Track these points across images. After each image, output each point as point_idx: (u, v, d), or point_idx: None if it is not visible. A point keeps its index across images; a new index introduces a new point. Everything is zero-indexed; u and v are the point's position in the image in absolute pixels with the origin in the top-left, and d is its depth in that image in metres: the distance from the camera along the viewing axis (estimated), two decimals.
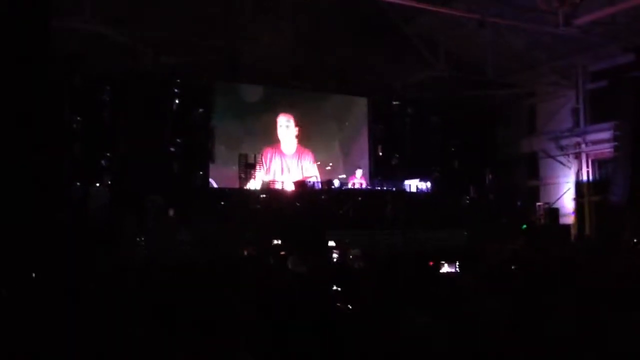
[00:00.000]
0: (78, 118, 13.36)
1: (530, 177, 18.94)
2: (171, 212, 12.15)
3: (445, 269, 6.19)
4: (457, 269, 6.22)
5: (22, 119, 10.32)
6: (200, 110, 14.87)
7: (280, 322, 3.70)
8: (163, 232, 11.35)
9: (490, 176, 17.98)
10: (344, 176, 15.89)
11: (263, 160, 15.37)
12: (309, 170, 16.43)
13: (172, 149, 14.28)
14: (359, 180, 15.68)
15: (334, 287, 4.97)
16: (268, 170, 15.80)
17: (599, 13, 12.38)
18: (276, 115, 16.36)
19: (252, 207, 13.13)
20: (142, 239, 10.87)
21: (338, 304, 4.33)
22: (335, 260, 7.94)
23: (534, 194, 18.47)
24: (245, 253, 9.00)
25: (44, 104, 11.17)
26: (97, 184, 12.94)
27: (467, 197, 16.62)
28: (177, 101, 14.48)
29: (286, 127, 16.44)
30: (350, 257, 7.84)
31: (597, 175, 17.19)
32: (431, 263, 6.36)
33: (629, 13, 12.75)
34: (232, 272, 6.01)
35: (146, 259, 9.36)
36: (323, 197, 14.14)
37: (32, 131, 10.34)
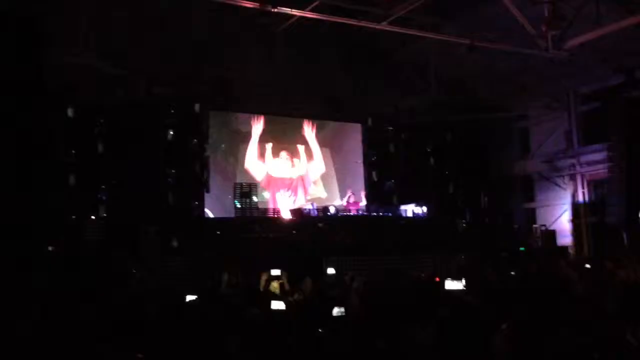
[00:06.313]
0: (72, 151, 13.31)
1: (526, 200, 18.93)
2: (175, 244, 12.16)
3: (451, 285, 6.08)
4: (464, 286, 6.12)
5: (16, 151, 10.27)
6: (194, 140, 14.85)
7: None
8: (158, 263, 11.22)
9: (485, 199, 17.97)
10: (341, 203, 15.83)
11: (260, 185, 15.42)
12: (304, 193, 16.41)
13: (167, 180, 14.20)
14: (351, 203, 15.71)
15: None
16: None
17: (587, 36, 12.50)
18: (269, 142, 16.38)
19: (248, 237, 13.01)
20: (137, 271, 10.72)
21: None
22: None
23: (531, 216, 18.46)
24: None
25: (38, 137, 11.13)
26: (92, 217, 12.82)
27: (463, 221, 16.56)
28: (170, 132, 14.44)
29: (283, 158, 16.53)
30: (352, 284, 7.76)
31: (593, 196, 17.18)
32: (437, 279, 6.29)
33: (617, 35, 12.88)
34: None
35: (140, 291, 9.20)
36: (320, 224, 14.05)
37: (27, 164, 10.29)
